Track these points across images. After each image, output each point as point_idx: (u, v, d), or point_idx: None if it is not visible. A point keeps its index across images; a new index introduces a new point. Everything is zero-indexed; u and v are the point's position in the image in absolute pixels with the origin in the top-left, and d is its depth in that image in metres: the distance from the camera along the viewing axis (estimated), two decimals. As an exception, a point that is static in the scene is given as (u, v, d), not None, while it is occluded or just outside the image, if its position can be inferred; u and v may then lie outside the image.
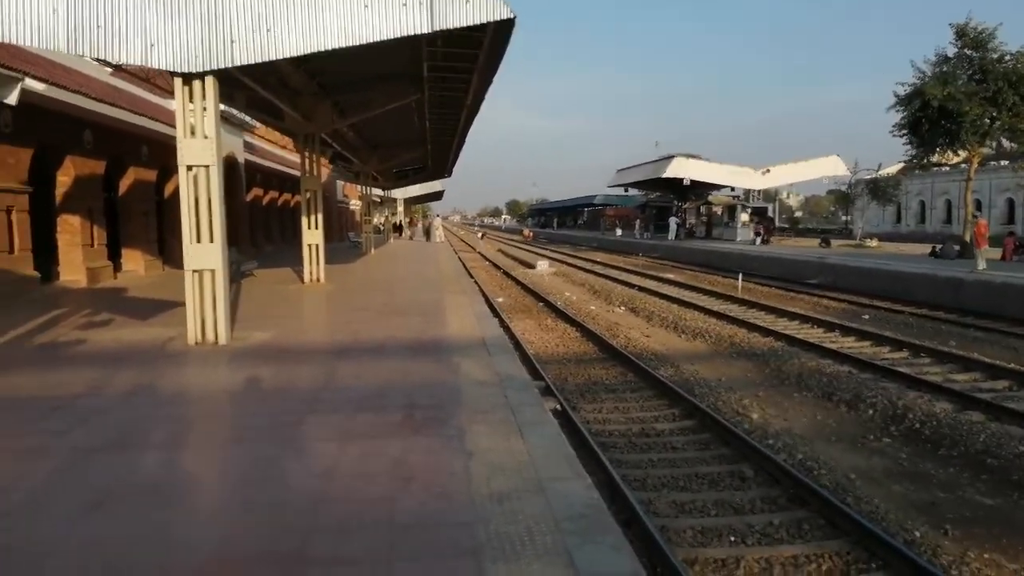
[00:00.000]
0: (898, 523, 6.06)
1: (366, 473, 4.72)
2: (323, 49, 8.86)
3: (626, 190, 64.54)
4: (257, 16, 8.66)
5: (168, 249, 20.04)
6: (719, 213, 52.24)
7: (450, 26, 8.90)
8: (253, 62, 8.85)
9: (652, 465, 7.50)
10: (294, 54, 8.91)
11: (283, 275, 18.97)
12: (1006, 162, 51.16)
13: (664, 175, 46.62)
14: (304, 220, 16.80)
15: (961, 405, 9.36)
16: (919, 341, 13.63)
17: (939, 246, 29.95)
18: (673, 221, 51.49)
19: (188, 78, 8.78)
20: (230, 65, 8.80)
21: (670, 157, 48.50)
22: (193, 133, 8.95)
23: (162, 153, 18.46)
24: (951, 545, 5.71)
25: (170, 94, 12.89)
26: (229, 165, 24.79)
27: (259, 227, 31.13)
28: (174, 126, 9.24)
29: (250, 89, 12.74)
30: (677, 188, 51.92)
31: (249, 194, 29.15)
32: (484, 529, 3.85)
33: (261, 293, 15.29)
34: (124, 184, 18.42)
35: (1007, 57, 27.26)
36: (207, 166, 8.99)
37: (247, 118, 22.31)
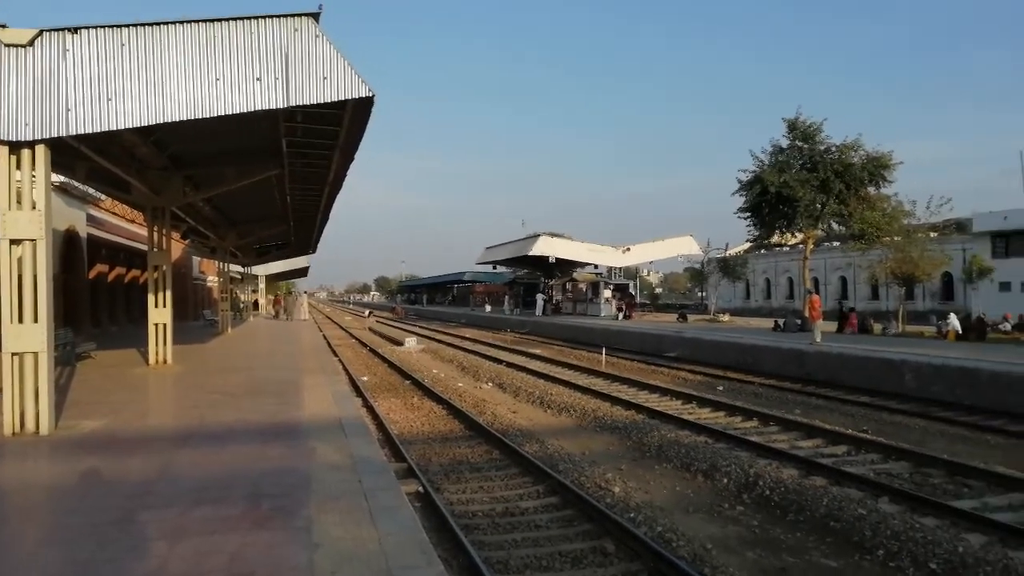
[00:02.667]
0: (752, 591, 6.16)
1: (199, 573, 4.28)
2: (169, 120, 8.51)
3: (494, 267, 65.62)
4: (97, 84, 8.22)
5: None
6: (584, 289, 53.91)
7: (306, 102, 8.80)
8: (91, 132, 8.36)
9: (515, 545, 7.30)
10: (138, 125, 8.50)
11: (126, 357, 17.64)
12: (837, 243, 56.18)
13: (530, 253, 47.76)
14: (151, 298, 15.78)
15: (806, 471, 9.83)
16: (767, 410, 14.36)
17: (782, 320, 32.13)
18: (540, 297, 52.60)
19: (16, 146, 8.14)
20: (65, 134, 8.26)
21: (536, 236, 49.88)
22: (20, 204, 8.25)
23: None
24: (801, 610, 5.84)
25: None
26: (69, 239, 23.16)
27: (103, 306, 29.07)
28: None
29: (91, 160, 12.00)
30: (543, 265, 53.27)
31: (92, 271, 27.27)
32: (325, 630, 3.54)
33: (98, 377, 14.08)
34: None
35: (832, 149, 30.26)
36: (35, 240, 8.26)
37: (91, 190, 21.01)
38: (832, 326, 29.73)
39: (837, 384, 18.01)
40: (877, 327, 30.24)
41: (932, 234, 34.64)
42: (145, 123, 8.51)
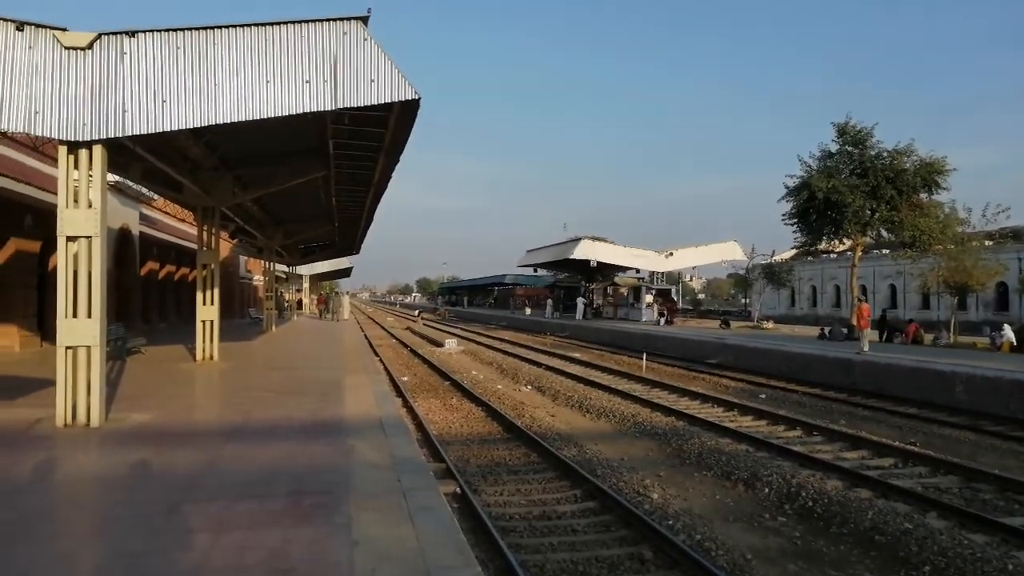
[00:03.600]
0: (792, 603, 6.05)
1: (240, 567, 4.37)
2: (221, 122, 8.72)
3: (535, 270, 65.58)
4: (152, 86, 8.46)
5: (49, 325, 18.83)
6: (625, 294, 53.58)
7: (354, 104, 8.92)
8: (145, 132, 8.61)
9: (552, 549, 7.29)
10: (190, 126, 8.73)
11: (174, 352, 18.08)
12: (887, 251, 54.93)
13: (572, 256, 47.60)
14: (199, 295, 16.15)
15: (850, 483, 9.61)
16: (811, 420, 14.08)
17: (828, 328, 31.50)
18: (580, 301, 52.43)
19: (74, 146, 8.42)
20: (120, 135, 8.52)
21: (577, 239, 49.72)
22: (77, 203, 8.52)
23: (48, 223, 17.56)
24: (843, 625, 5.72)
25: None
26: (123, 237, 23.83)
27: (153, 302, 29.84)
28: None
29: (145, 160, 12.35)
30: (584, 269, 53.05)
31: (144, 268, 28.01)
32: (363, 626, 3.58)
33: (147, 372, 14.46)
34: (2, 255, 17.34)
35: (884, 154, 29.58)
36: (90, 237, 8.53)
37: (144, 189, 21.60)
38: (875, 334, 29.04)
39: (885, 395, 17.57)
40: (928, 337, 29.47)
41: (987, 242, 33.67)
42: (197, 124, 8.74)
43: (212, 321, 16.21)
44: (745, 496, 9.40)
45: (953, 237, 30.13)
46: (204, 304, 16.17)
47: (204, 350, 16.12)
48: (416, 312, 69.42)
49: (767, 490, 9.43)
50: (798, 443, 12.21)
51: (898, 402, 16.69)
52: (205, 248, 16.29)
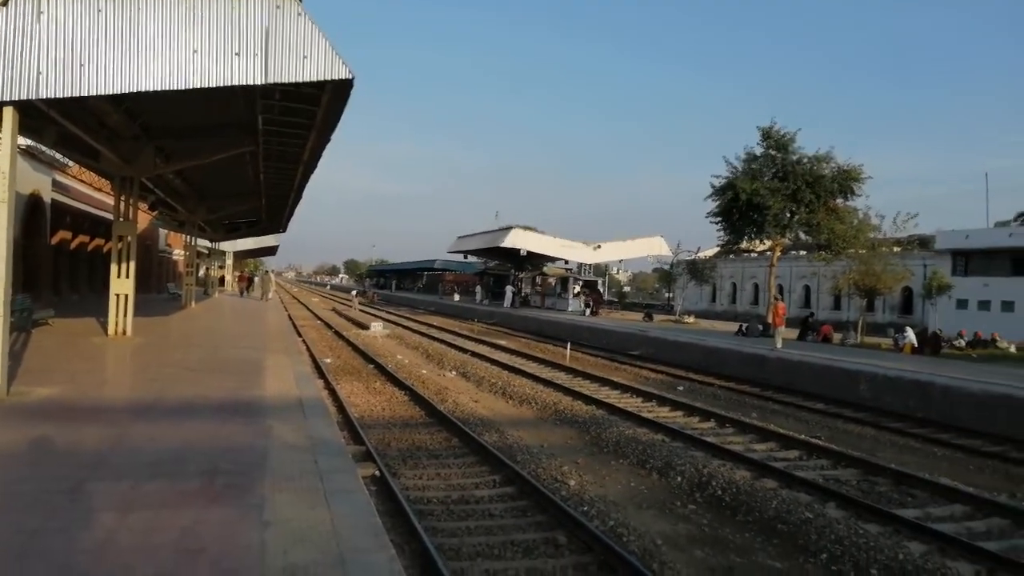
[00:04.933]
0: (697, 587, 6.30)
1: (147, 547, 4.28)
2: (143, 90, 8.39)
3: (465, 257, 65.46)
4: (70, 49, 8.08)
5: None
6: (553, 284, 54.15)
7: (285, 80, 8.73)
8: (60, 96, 8.22)
9: (469, 533, 7.38)
10: (109, 92, 8.36)
11: (85, 326, 17.36)
12: (804, 252, 57.06)
13: (502, 244, 47.77)
14: (114, 268, 15.52)
15: (758, 473, 10.04)
16: (725, 412, 14.59)
17: (746, 325, 32.60)
18: (509, 289, 52.71)
19: (-19, 106, 7.97)
20: (35, 97, 8.12)
21: (508, 228, 49.90)
22: (-17, 166, 8.08)
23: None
24: (742, 608, 6.00)
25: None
26: (33, 204, 22.67)
27: (64, 273, 28.51)
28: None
29: (60, 125, 11.78)
30: (514, 258, 53.29)
31: (55, 236, 26.73)
32: (272, 607, 3.58)
33: (54, 345, 13.86)
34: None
35: (804, 159, 30.71)
36: (-4, 202, 8.10)
37: (58, 155, 20.60)
38: (794, 333, 30.25)
39: (795, 390, 18.35)
40: (837, 337, 30.87)
41: (896, 248, 35.40)
42: (117, 91, 8.38)
43: (127, 295, 15.62)
44: (658, 484, 9.70)
45: (865, 242, 31.59)
46: (119, 277, 15.56)
47: (117, 324, 15.53)
48: (353, 293, 65.80)
49: (679, 479, 9.76)
50: (711, 434, 12.65)
51: (807, 397, 17.46)
52: (122, 219, 15.66)
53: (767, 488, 9.27)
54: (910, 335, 28.10)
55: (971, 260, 47.62)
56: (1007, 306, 43.58)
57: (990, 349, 31.67)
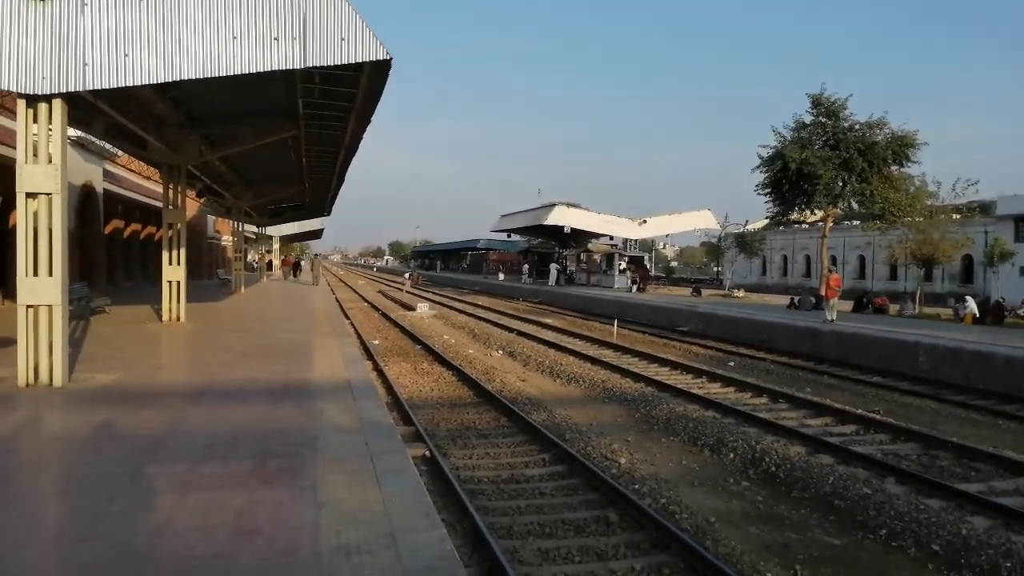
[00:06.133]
0: (752, 565, 6.19)
1: (205, 528, 4.34)
2: (186, 78, 8.46)
3: (509, 235, 65.42)
4: (114, 40, 8.18)
5: (11, 283, 18.38)
6: (598, 261, 53.72)
7: (324, 63, 8.72)
8: (108, 87, 8.34)
9: (519, 512, 7.37)
10: (154, 81, 8.45)
11: (140, 313, 17.82)
12: (857, 222, 55.58)
13: (545, 222, 47.55)
14: (166, 255, 15.86)
15: (813, 449, 9.82)
16: (777, 387, 14.32)
17: (797, 298, 31.91)
18: (554, 267, 52.51)
19: (33, 99, 8.14)
20: (82, 89, 8.25)
21: (552, 205, 49.60)
22: (36, 158, 8.26)
23: (7, 179, 17.06)
24: (801, 586, 5.87)
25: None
26: (86, 194, 23.28)
27: (118, 261, 29.30)
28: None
29: (108, 115, 12.00)
30: (558, 235, 53.04)
31: (108, 226, 27.44)
32: (327, 588, 3.59)
33: (111, 332, 14.25)
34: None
35: (856, 126, 29.75)
36: (50, 194, 8.29)
37: (107, 145, 21.06)
38: (848, 305, 29.50)
39: (850, 364, 17.92)
40: (894, 308, 30.02)
41: (955, 216, 34.18)
42: (161, 80, 8.47)
43: (179, 281, 15.96)
44: (711, 461, 9.57)
45: (922, 210, 30.53)
46: (170, 264, 15.90)
47: (171, 311, 15.89)
48: (406, 276, 64.33)
49: (732, 455, 9.61)
50: (764, 410, 12.43)
51: (863, 371, 17.04)
52: (171, 207, 15.96)
53: (823, 464, 9.07)
54: (971, 304, 27.13)
55: (1034, 225, 45.75)
56: (1073, 272, 41.81)
57: (1055, 317, 30.48)
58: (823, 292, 26.52)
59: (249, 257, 53.92)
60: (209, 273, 42.15)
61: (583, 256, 55.67)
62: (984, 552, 6.31)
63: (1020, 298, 34.94)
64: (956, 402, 13.71)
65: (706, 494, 8.24)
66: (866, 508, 7.51)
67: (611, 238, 52.88)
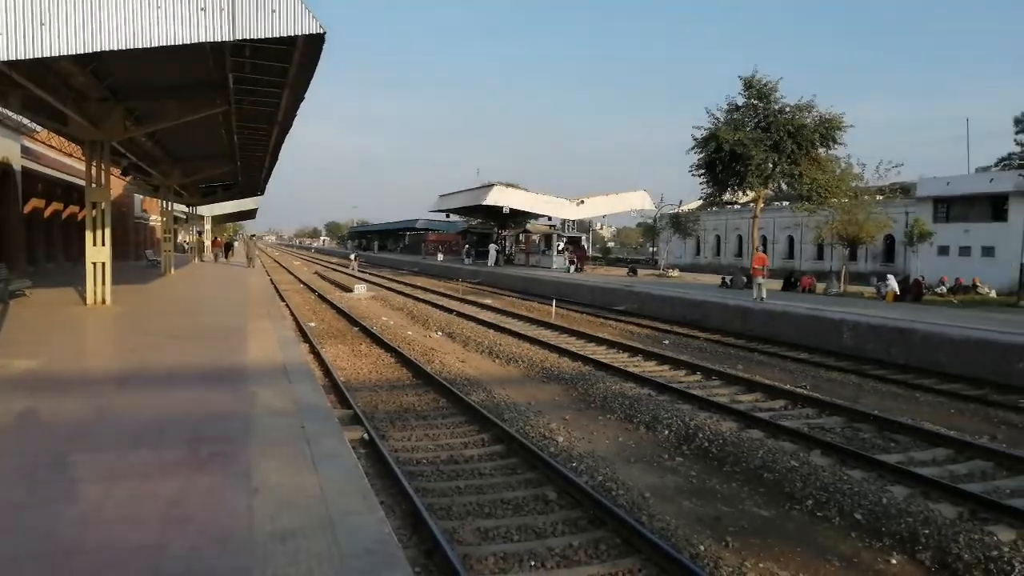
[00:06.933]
0: (685, 538, 6.36)
1: (134, 517, 4.22)
2: (107, 49, 8.11)
3: (448, 216, 65.03)
4: (30, 8, 7.77)
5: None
6: (537, 241, 53.99)
7: (253, 36, 8.49)
8: (23, 58, 7.93)
9: (459, 492, 7.39)
10: (73, 52, 8.07)
11: (63, 296, 17.12)
12: (787, 203, 57.18)
13: (484, 202, 47.42)
14: (89, 235, 15.24)
15: (744, 424, 10.12)
16: (710, 365, 14.68)
17: (729, 277, 32.73)
18: (493, 248, 52.54)
19: (-61, 70, 7.68)
20: (-6, 59, 7.81)
21: (490, 185, 49.48)
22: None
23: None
24: (731, 556, 6.07)
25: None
26: (2, 172, 22.15)
27: (39, 242, 28.03)
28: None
29: (25, 88, 11.42)
30: (497, 215, 52.98)
31: (28, 205, 26.19)
32: (262, 573, 3.54)
33: (33, 316, 13.65)
34: None
35: (786, 109, 30.51)
36: (-39, 170, 7.86)
37: (26, 120, 20.05)
38: (778, 284, 30.43)
39: (779, 341, 18.50)
40: (820, 286, 31.10)
41: (878, 197, 35.50)
42: (80, 51, 8.09)
43: (104, 263, 15.37)
44: (646, 438, 9.77)
45: (847, 191, 31.61)
46: (95, 245, 15.29)
47: (95, 293, 15.31)
48: (352, 257, 61.36)
49: (667, 432, 9.82)
50: (697, 387, 12.73)
51: (791, 347, 17.61)
52: (94, 185, 15.32)
53: (753, 438, 9.35)
54: (892, 283, 28.32)
55: (952, 207, 47.83)
56: (987, 251, 43.91)
57: (971, 295, 32.10)
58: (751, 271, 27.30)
59: (180, 238, 52.14)
60: (137, 254, 40.73)
61: (522, 237, 55.87)
62: (903, 520, 6.62)
63: (938, 276, 36.64)
64: (877, 376, 14.30)
65: (642, 470, 8.42)
66: (793, 480, 7.79)
67: (550, 219, 53.12)
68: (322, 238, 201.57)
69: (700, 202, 55.75)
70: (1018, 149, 63.51)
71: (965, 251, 45.54)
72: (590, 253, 66.00)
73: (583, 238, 57.96)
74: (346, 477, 5.00)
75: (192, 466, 5.13)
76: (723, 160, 30.76)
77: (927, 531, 6.37)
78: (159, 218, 36.50)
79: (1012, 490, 7.75)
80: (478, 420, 10.01)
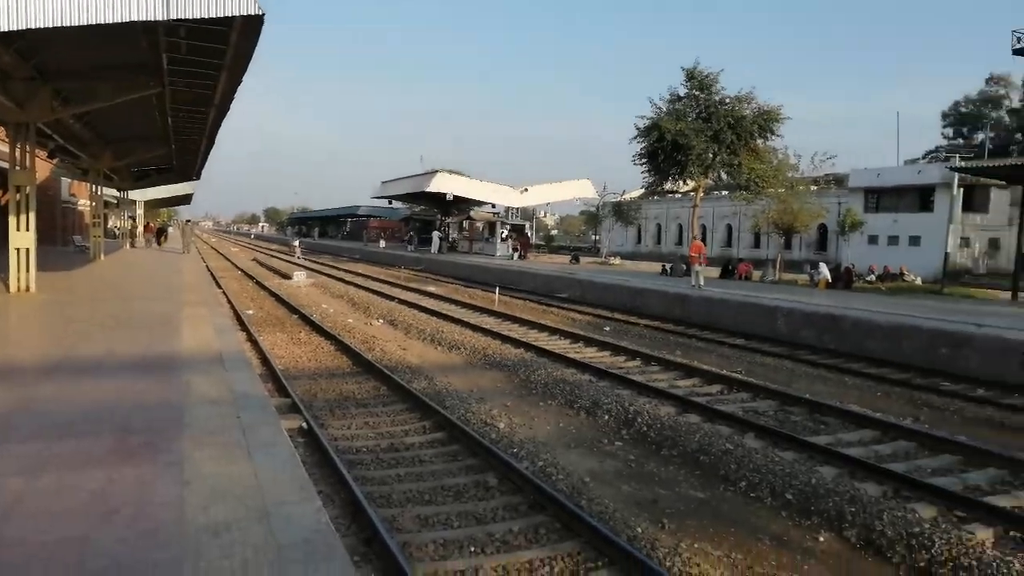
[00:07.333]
0: (623, 520, 6.47)
1: (58, 511, 4.08)
2: (31, 27, 7.76)
3: (390, 202, 64.40)
4: (-57, -22, 7.37)
5: None
6: (480, 228, 53.97)
7: (189, 16, 8.24)
8: (-64, 31, 7.52)
9: (399, 480, 7.37)
10: (-7, 28, 7.69)
11: (-15, 283, 16.37)
12: (726, 192, 58.36)
13: (427, 189, 47.15)
14: (12, 220, 14.60)
15: (682, 408, 10.34)
16: (650, 351, 14.94)
17: (669, 265, 33.31)
18: (436, 235, 52.29)
19: None
20: (-95, 32, 7.40)
21: (434, 172, 49.26)
22: None
23: None
24: (667, 538, 6.20)
25: None
26: (-83, 153, 21.00)
27: (-41, 227, 26.70)
28: None
29: (-59, 65, 10.85)
30: (441, 202, 52.70)
31: (-55, 188, 24.92)
32: (193, 566, 3.47)
33: (-48, 304, 13.03)
34: None
35: (727, 100, 31.13)
36: None
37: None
38: (715, 272, 31.09)
39: (717, 327, 18.92)
40: (756, 274, 31.90)
41: (812, 187, 36.58)
42: (5, 28, 7.73)
43: (28, 249, 14.76)
44: (586, 423, 9.89)
45: (783, 181, 32.46)
46: (18, 230, 14.66)
47: (19, 280, 14.70)
48: (296, 243, 59.15)
49: (607, 417, 9.96)
50: (637, 373, 12.95)
51: (728, 334, 18.04)
52: (19, 168, 14.68)
53: (690, 423, 9.55)
54: (824, 271, 29.25)
55: (882, 197, 49.59)
56: (914, 240, 45.71)
57: (898, 282, 33.39)
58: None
59: (111, 223, 50.34)
60: (64, 240, 39.17)
61: (465, 224, 55.75)
62: (831, 499, 6.86)
63: (868, 264, 37.97)
64: (809, 361, 14.78)
65: (582, 455, 8.53)
66: (728, 463, 8.00)
67: (493, 206, 53.14)
68: (261, 224, 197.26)
69: (642, 191, 56.52)
70: (945, 142, 66.14)
71: (894, 240, 47.31)
72: (534, 241, 66.27)
73: (527, 226, 58.16)
74: (282, 466, 4.93)
75: (121, 457, 4.98)
76: (665, 150, 31.25)
77: (853, 509, 6.61)
78: (88, 202, 35.18)
79: (933, 469, 8.12)
80: (419, 407, 9.98)
